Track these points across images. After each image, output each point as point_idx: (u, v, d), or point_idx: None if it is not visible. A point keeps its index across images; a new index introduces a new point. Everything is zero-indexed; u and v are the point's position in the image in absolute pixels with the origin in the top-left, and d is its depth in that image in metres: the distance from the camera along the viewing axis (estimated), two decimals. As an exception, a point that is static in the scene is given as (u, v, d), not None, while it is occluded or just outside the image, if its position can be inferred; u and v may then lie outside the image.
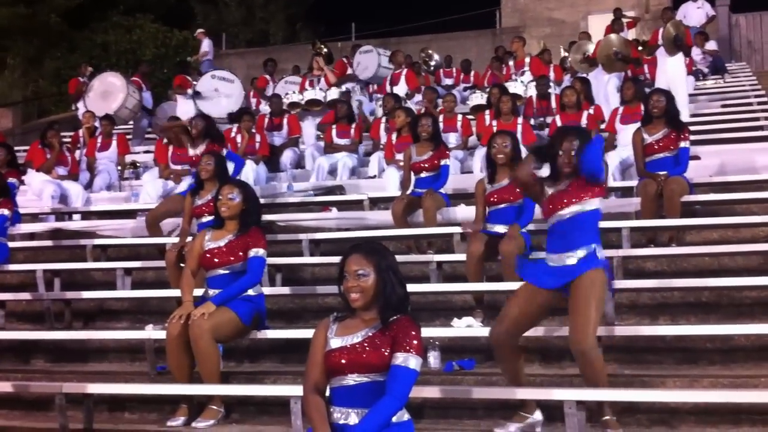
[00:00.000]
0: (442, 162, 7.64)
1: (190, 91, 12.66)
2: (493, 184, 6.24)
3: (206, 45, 18.08)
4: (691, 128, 7.89)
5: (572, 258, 4.43)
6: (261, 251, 5.31)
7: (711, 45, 15.22)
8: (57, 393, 4.99)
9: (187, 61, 17.39)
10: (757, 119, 10.94)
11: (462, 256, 6.35)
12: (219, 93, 12.25)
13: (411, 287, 3.59)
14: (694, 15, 15.55)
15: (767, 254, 6.25)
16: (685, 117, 10.41)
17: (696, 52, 14.56)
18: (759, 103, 12.01)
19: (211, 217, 6.02)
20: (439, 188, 7.62)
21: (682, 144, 7.06)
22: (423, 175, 7.67)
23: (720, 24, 18.74)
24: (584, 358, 4.34)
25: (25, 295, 7.13)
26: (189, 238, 6.66)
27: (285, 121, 11.08)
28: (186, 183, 8.31)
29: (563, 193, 4.53)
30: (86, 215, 9.53)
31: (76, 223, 9.33)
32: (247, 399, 5.25)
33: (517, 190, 5.95)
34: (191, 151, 8.22)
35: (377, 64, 13.31)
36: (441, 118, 10.20)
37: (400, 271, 3.48)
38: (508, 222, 6.11)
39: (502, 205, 6.20)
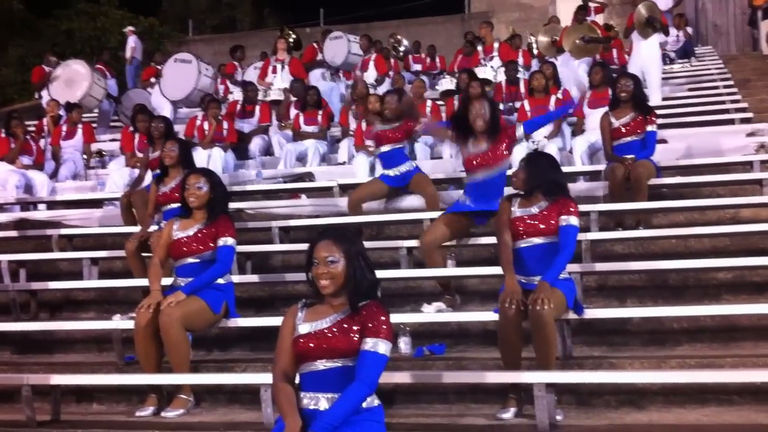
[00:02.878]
0: (414, 131, 7.49)
1: (153, 80, 12.54)
2: (472, 147, 6.07)
3: (131, 43, 17.76)
4: (659, 112, 7.96)
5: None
6: (230, 240, 5.28)
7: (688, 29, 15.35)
8: (23, 384, 4.92)
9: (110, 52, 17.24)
10: (723, 103, 11.04)
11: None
12: (179, 75, 12.11)
13: (381, 273, 3.59)
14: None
15: (733, 236, 6.32)
16: (657, 101, 10.52)
17: (671, 33, 14.68)
18: (725, 87, 12.12)
19: (176, 205, 5.96)
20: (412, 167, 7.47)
21: (649, 128, 7.12)
22: (389, 147, 7.43)
23: (686, 8, 18.87)
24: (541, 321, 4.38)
25: (-10, 286, 7.02)
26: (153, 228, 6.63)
27: (257, 108, 10.99)
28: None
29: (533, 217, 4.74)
30: (52, 205, 9.41)
31: (42, 213, 9.21)
32: (217, 388, 5.22)
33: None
34: (152, 154, 8.11)
35: (347, 50, 13.23)
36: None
37: (369, 256, 3.46)
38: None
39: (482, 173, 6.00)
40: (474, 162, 5.99)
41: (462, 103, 5.38)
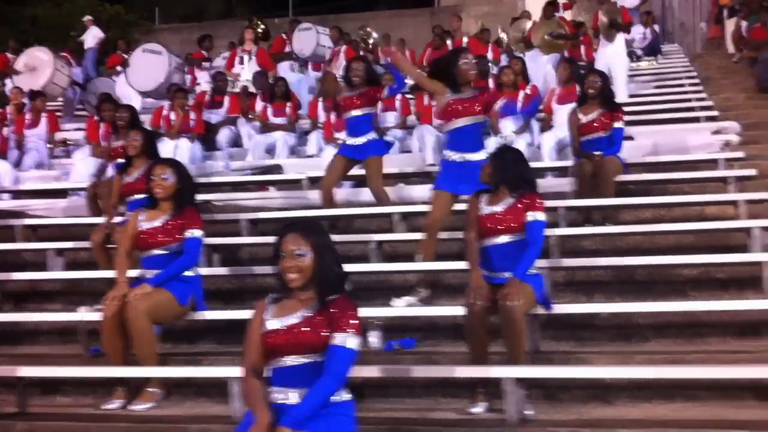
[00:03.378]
0: (381, 96, 7.37)
1: (119, 68, 12.38)
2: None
3: (91, 34, 17.40)
4: (626, 109, 8.02)
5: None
6: (197, 232, 5.24)
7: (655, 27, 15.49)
8: (-13, 376, 4.87)
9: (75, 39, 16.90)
10: (689, 101, 11.18)
11: (402, 236, 6.36)
12: (148, 66, 11.97)
13: (351, 267, 3.59)
14: (628, -3, 15.78)
15: (698, 233, 6.41)
16: (623, 97, 10.60)
17: (638, 31, 14.81)
18: (691, 85, 12.27)
19: (141, 196, 5.90)
20: (383, 149, 7.33)
21: (616, 124, 7.21)
22: (356, 113, 7.17)
23: (654, 5, 19.05)
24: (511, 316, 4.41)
25: (-47, 277, 6.89)
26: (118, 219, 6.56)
27: (226, 99, 10.89)
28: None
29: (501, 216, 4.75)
30: (16, 194, 9.28)
31: (5, 203, 9.08)
32: (185, 381, 5.18)
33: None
34: (116, 143, 8.01)
35: (315, 42, 13.15)
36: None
37: (336, 250, 3.45)
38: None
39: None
40: (459, 108, 5.82)
41: (452, 53, 5.36)
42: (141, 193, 5.83)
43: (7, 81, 13.50)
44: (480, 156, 5.72)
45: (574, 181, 7.14)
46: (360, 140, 7.15)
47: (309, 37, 13.26)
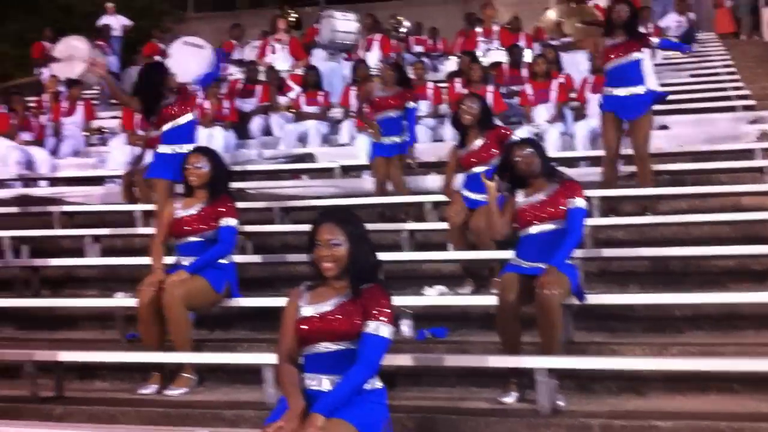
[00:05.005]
0: (409, 104, 7.61)
1: (158, 58, 12.41)
2: (465, 147, 6.22)
3: (117, 22, 17.08)
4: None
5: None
6: (232, 220, 5.29)
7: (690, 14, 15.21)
8: (27, 360, 4.95)
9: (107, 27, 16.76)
10: (725, 90, 11.03)
11: (434, 225, 6.36)
12: (189, 58, 12.02)
13: (383, 256, 3.59)
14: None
15: (734, 224, 6.33)
16: (653, 86, 10.47)
17: (673, 19, 14.59)
18: (727, 74, 12.09)
19: None
20: (408, 147, 7.60)
21: (636, 55, 6.89)
22: (387, 114, 7.56)
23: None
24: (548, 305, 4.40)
25: (-8, 262, 7.02)
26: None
27: (258, 88, 10.94)
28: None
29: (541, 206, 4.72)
30: (53, 182, 9.41)
31: (43, 190, 9.21)
32: (219, 367, 5.24)
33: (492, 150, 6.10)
34: (153, 133, 8.06)
35: (330, 28, 13.03)
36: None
37: (370, 239, 3.47)
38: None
39: (476, 169, 6.16)
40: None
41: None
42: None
43: (44, 69, 13.66)
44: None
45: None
46: (392, 139, 7.53)
47: (326, 25, 13.17)
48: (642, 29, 8.40)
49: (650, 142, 6.91)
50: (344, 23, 12.78)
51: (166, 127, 6.76)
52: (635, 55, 6.81)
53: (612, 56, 6.82)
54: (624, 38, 6.82)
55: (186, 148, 6.40)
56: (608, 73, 6.92)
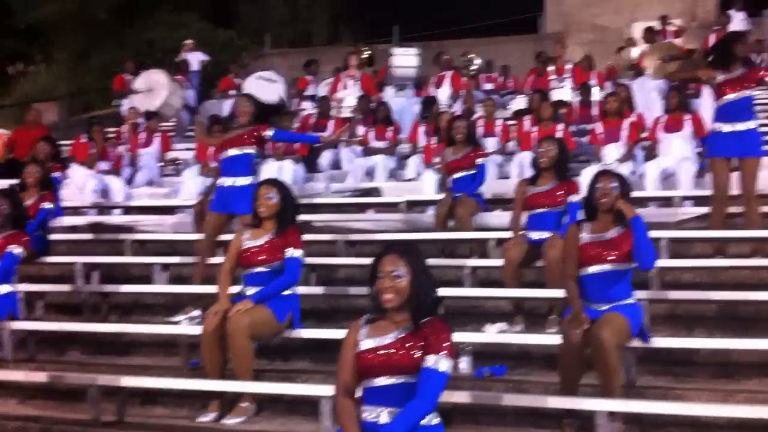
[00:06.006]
0: (479, 161, 7.64)
1: (233, 92, 12.74)
2: (535, 186, 6.22)
3: (196, 58, 17.24)
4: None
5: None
6: (298, 252, 5.35)
7: None
8: (91, 384, 5.06)
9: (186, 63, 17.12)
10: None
11: (496, 261, 6.32)
12: (261, 92, 12.26)
13: (444, 291, 3.59)
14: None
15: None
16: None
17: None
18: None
19: None
20: (477, 188, 7.62)
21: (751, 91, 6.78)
22: (460, 174, 7.65)
23: (766, 33, 18.35)
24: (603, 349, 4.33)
25: (64, 287, 7.20)
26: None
27: (331, 123, 11.09)
28: None
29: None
30: (127, 210, 9.66)
31: (117, 218, 9.46)
32: (277, 397, 5.26)
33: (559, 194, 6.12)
34: None
35: (390, 64, 13.14)
36: (481, 122, 10.19)
37: (432, 273, 3.47)
38: (547, 228, 6.09)
39: (541, 210, 6.17)
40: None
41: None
42: None
43: (124, 101, 14.11)
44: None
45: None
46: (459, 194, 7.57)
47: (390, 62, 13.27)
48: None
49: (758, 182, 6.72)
50: (403, 58, 12.88)
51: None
52: (749, 92, 6.68)
53: (728, 90, 6.65)
54: (741, 72, 6.67)
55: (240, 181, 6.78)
56: (721, 108, 6.72)
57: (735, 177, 6.76)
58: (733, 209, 6.85)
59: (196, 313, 6.43)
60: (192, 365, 5.74)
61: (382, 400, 3.33)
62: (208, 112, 12.53)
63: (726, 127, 6.64)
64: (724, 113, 6.67)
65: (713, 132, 6.80)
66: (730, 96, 6.63)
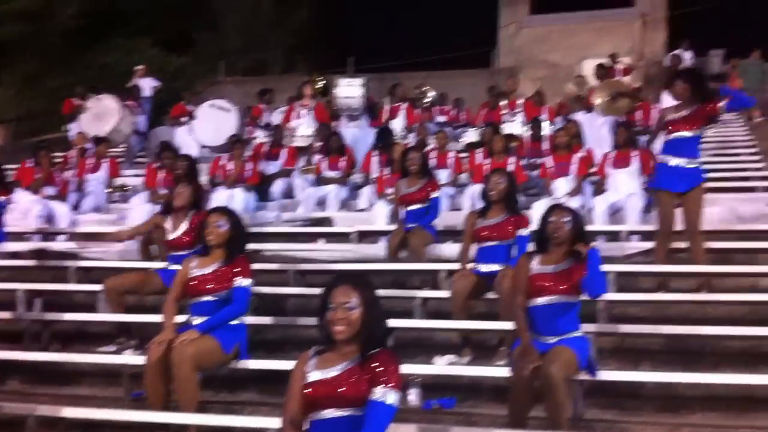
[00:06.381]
0: (432, 194, 7.66)
1: (185, 119, 12.65)
2: (485, 219, 6.26)
3: (148, 84, 17.05)
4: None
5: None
6: (247, 281, 5.29)
7: None
8: (30, 415, 4.92)
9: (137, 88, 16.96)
10: (745, 170, 11.00)
11: (447, 293, 6.33)
12: (215, 122, 12.22)
13: (395, 322, 3.58)
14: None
15: (752, 304, 6.25)
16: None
17: None
18: (749, 154, 12.08)
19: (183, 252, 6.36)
20: (430, 221, 7.64)
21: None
22: (414, 207, 7.67)
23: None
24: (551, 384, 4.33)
25: (5, 314, 7.00)
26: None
27: (284, 152, 11.06)
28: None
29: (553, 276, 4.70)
30: (72, 236, 9.48)
31: (62, 244, 9.28)
32: (223, 429, 5.16)
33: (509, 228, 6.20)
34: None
35: (337, 95, 13.21)
36: (434, 154, 10.25)
37: (382, 305, 3.45)
38: (497, 261, 6.13)
39: (491, 243, 6.21)
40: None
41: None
42: (185, 249, 6.36)
43: (72, 125, 13.92)
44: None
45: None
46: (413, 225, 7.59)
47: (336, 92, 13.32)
48: None
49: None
50: (347, 89, 12.96)
51: None
52: (699, 131, 6.84)
53: (681, 127, 6.78)
54: (694, 108, 6.76)
55: None
56: (670, 142, 6.86)
57: (679, 213, 6.88)
58: (677, 244, 6.97)
59: (132, 342, 6.38)
60: (134, 396, 5.63)
61: (329, 433, 3.27)
62: (158, 139, 12.45)
63: (673, 161, 6.78)
64: (673, 147, 6.81)
65: (659, 164, 6.94)
66: (683, 133, 6.77)
